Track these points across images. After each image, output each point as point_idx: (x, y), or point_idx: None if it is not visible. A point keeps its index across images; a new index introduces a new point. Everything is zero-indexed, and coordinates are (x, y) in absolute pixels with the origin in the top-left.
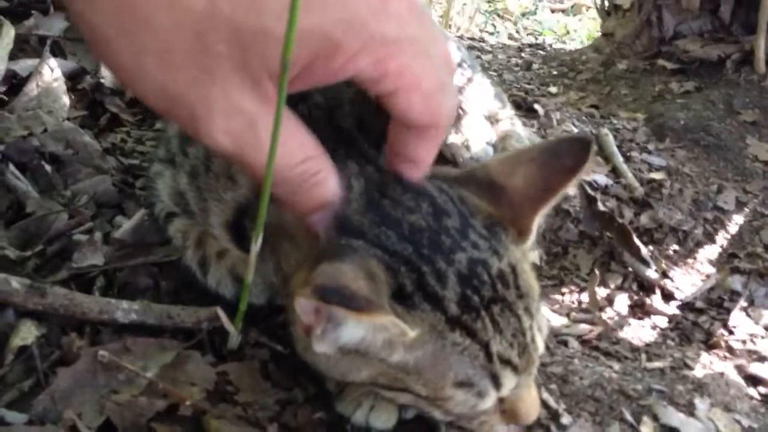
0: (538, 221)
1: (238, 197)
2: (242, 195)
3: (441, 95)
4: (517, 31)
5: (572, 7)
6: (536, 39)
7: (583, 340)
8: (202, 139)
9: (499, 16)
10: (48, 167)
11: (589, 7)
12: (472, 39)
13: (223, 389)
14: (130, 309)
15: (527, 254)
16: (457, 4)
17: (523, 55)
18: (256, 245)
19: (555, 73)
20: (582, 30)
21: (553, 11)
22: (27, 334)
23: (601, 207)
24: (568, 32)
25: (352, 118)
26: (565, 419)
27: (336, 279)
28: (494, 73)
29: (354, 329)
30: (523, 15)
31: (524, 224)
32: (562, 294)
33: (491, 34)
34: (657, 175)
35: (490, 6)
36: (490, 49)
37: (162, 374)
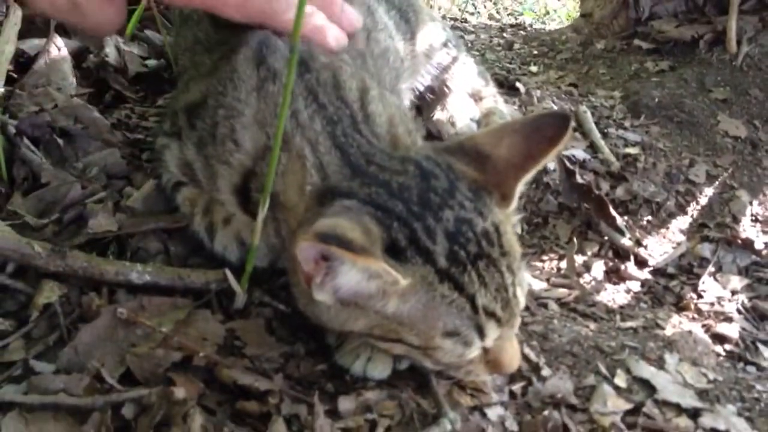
0: (520, 188)
1: (244, 160)
2: (247, 156)
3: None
4: (498, 11)
5: None
6: (516, 19)
7: (561, 303)
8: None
9: None
10: (60, 141)
11: None
12: (455, 19)
13: (232, 344)
14: (144, 271)
15: (510, 218)
16: None
17: (504, 35)
18: (263, 211)
19: (536, 52)
20: (562, 10)
21: None
22: (50, 293)
23: (579, 180)
24: (548, 12)
25: (356, 92)
26: (546, 371)
27: (334, 229)
28: (477, 53)
29: (350, 275)
30: None
31: (508, 190)
32: (543, 261)
33: (472, 14)
34: (632, 150)
35: None
36: (472, 29)
37: (176, 330)
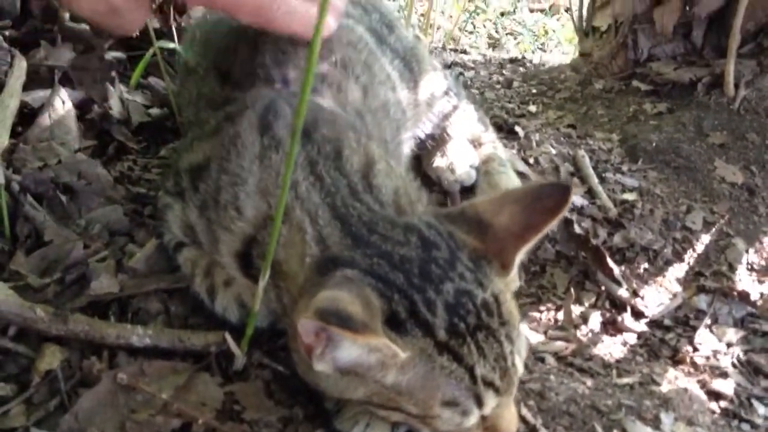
0: (521, 256)
1: (246, 227)
2: (249, 224)
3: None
4: (497, 30)
5: (550, 7)
6: (515, 38)
7: (559, 357)
8: (72, 10)
9: (479, 14)
10: (63, 197)
11: (567, 8)
12: (455, 50)
13: (231, 408)
14: (145, 334)
15: (510, 285)
16: (437, 4)
17: (504, 71)
18: (264, 279)
19: (534, 91)
20: (561, 31)
21: (531, 11)
22: (52, 358)
23: (577, 229)
24: (546, 32)
25: (358, 164)
26: None
27: (335, 303)
28: (476, 91)
29: (350, 349)
30: (503, 15)
31: (507, 259)
32: (540, 312)
33: (471, 32)
34: (630, 196)
35: (470, 4)
36: (472, 65)
37: (175, 395)
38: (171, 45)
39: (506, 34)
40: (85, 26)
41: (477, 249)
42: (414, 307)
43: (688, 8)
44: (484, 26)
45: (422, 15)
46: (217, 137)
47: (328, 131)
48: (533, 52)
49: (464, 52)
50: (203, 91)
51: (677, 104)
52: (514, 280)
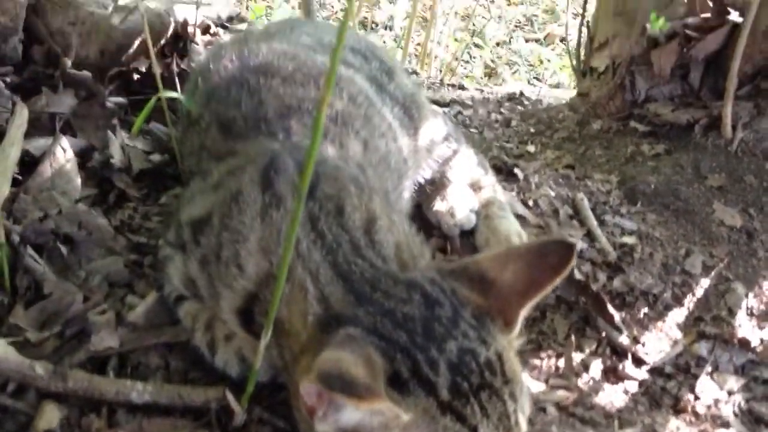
0: (524, 314)
1: (247, 285)
2: (250, 281)
3: None
4: (493, 60)
5: (545, 37)
6: (511, 68)
7: (560, 407)
8: None
9: (476, 45)
10: (63, 248)
11: (563, 38)
12: (452, 86)
13: None
14: (144, 390)
15: (513, 342)
16: (434, 34)
17: (502, 110)
18: (266, 338)
19: (533, 131)
20: (556, 61)
21: (527, 40)
22: (51, 415)
23: (577, 274)
24: (541, 62)
25: (360, 220)
26: None
27: (338, 365)
28: (475, 130)
29: (353, 413)
30: (498, 45)
31: (511, 316)
32: (541, 359)
33: (467, 62)
34: (629, 239)
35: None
36: (470, 103)
37: None
38: (173, 94)
39: (504, 63)
40: (86, 73)
41: (480, 306)
42: (417, 366)
43: (685, 50)
44: (481, 57)
45: (419, 44)
46: (219, 192)
47: (330, 187)
48: (530, 82)
49: (462, 87)
50: (206, 143)
51: (675, 146)
52: (517, 336)
